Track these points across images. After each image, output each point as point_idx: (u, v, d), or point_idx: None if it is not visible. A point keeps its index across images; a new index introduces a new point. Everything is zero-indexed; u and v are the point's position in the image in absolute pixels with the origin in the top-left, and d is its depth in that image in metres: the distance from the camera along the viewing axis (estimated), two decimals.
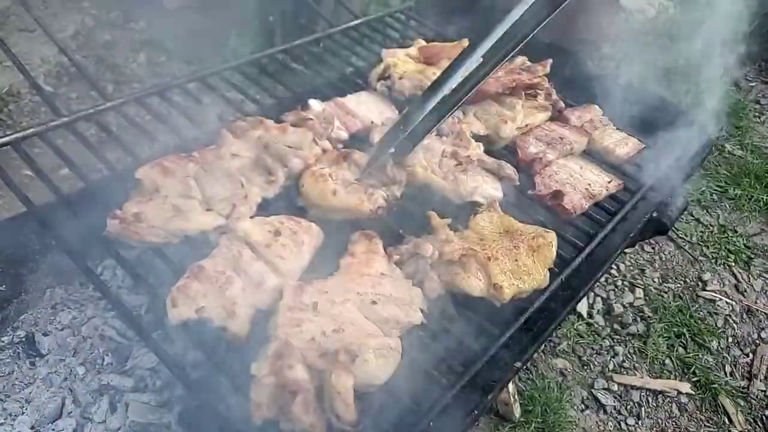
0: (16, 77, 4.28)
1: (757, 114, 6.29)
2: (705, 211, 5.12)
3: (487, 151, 2.14)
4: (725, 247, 4.76)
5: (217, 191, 1.76)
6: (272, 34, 4.71)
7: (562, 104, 2.45)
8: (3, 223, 1.87)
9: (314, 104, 2.17)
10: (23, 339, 1.86)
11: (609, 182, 2.15)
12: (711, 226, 5.04)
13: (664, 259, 4.71)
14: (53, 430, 1.69)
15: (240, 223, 1.65)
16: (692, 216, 5.07)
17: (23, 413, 1.73)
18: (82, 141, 1.93)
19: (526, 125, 2.30)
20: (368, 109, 2.23)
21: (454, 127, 2.16)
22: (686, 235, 4.91)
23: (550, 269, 1.75)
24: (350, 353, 1.39)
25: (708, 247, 4.83)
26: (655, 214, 2.06)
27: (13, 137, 1.85)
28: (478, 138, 2.19)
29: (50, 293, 1.95)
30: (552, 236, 1.79)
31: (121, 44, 5.48)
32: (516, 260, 1.69)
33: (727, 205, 5.21)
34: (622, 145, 2.34)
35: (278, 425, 1.32)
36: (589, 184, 2.10)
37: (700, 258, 4.70)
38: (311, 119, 2.04)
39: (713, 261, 4.68)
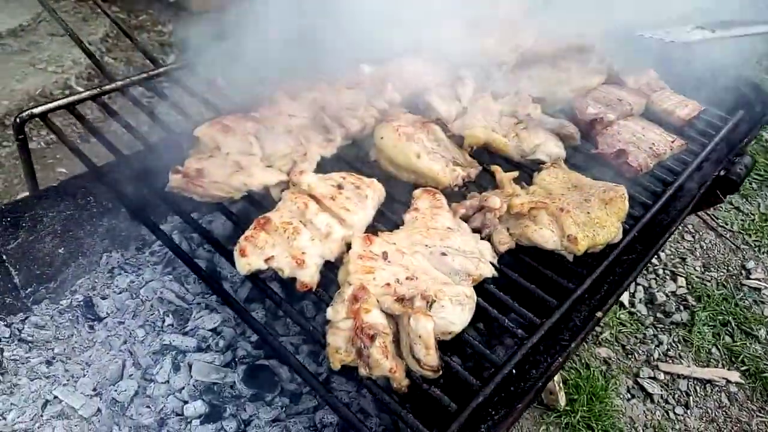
0: (49, 79, 4.31)
1: None
2: (745, 199, 5.01)
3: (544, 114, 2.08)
4: None
5: (278, 148, 1.73)
6: None
7: (616, 67, 2.39)
8: (62, 184, 1.85)
9: (365, 68, 2.13)
10: (81, 303, 1.84)
11: (672, 142, 2.07)
12: (752, 214, 4.92)
13: (705, 247, 4.61)
14: (116, 391, 1.66)
15: (303, 176, 1.62)
16: (732, 204, 4.96)
17: (85, 375, 1.71)
18: (136, 105, 1.92)
19: (582, 87, 2.24)
20: (421, 72, 2.18)
21: (510, 88, 2.10)
22: (727, 224, 4.80)
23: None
24: (427, 299, 1.34)
25: (750, 236, 4.71)
26: (722, 173, 1.98)
27: (68, 100, 1.84)
28: (533, 101, 2.13)
29: (107, 257, 1.93)
30: (623, 189, 1.72)
31: (150, 46, 5.53)
32: (588, 213, 1.63)
33: (767, 194, 5.09)
34: (681, 106, 2.27)
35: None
36: (653, 144, 2.03)
37: (743, 246, 4.59)
38: (365, 81, 2.00)
39: (756, 249, 4.56)
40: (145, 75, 2.02)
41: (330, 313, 1.33)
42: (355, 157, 1.91)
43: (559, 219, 1.59)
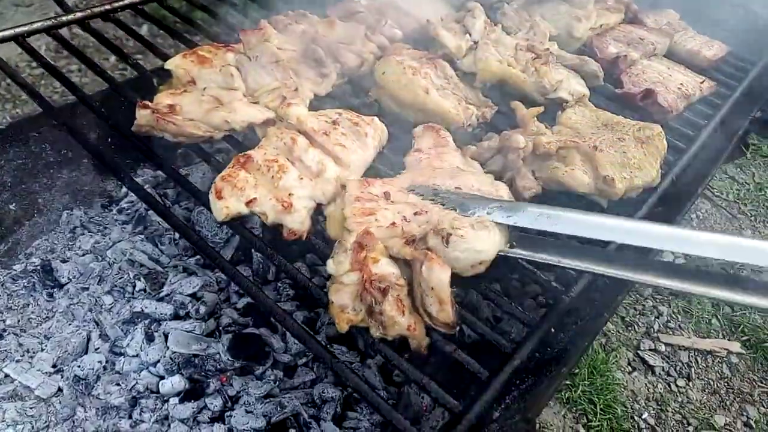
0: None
1: None
2: (739, 169, 4.92)
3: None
4: (764, 205, 4.55)
5: (264, 82, 1.48)
6: None
7: (635, 6, 2.17)
8: (10, 127, 1.58)
9: None
10: (38, 267, 1.59)
11: (702, 83, 1.87)
12: (746, 183, 4.83)
13: (701, 217, 4.50)
14: (79, 367, 1.42)
15: (292, 108, 1.37)
16: (726, 174, 4.87)
17: (43, 350, 1.47)
18: (100, 39, 1.65)
19: (600, 26, 2.02)
20: (423, 7, 1.94)
21: (522, 23, 1.88)
22: (722, 193, 4.70)
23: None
24: (441, 233, 1.11)
25: (746, 205, 4.62)
26: (759, 114, 1.79)
27: (17, 30, 1.57)
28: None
29: (68, 215, 1.67)
30: (659, 128, 1.51)
31: (125, 14, 5.18)
32: (624, 152, 1.42)
33: (761, 163, 5.02)
34: (707, 47, 2.07)
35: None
36: (681, 84, 1.83)
37: (738, 215, 4.49)
38: (361, 12, 1.76)
39: (752, 218, 4.47)
40: (108, 6, 1.74)
41: (330, 266, 1.10)
42: (353, 99, 1.67)
43: (593, 159, 1.38)
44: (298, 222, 1.20)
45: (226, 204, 1.19)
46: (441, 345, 1.07)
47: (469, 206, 1.18)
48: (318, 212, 1.26)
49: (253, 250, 1.64)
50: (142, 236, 1.64)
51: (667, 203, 1.52)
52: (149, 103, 1.38)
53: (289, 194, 1.22)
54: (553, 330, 1.13)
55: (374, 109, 1.65)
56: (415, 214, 1.17)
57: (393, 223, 1.14)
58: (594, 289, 1.31)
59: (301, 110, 1.39)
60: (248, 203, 1.20)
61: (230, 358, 1.41)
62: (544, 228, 1.13)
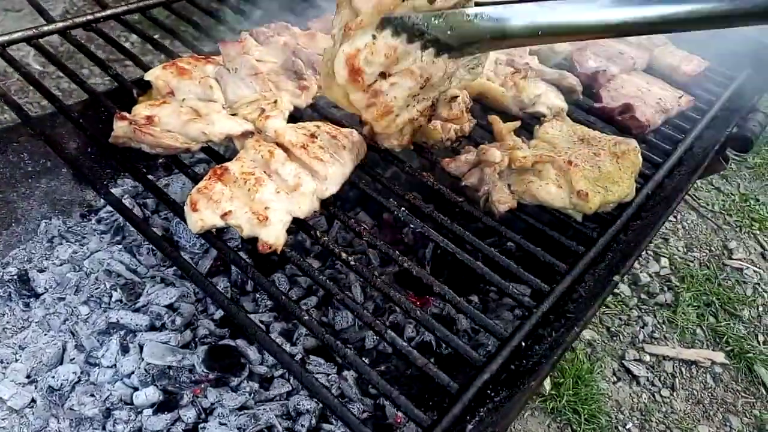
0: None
1: None
2: (725, 180, 4.98)
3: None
4: (749, 216, 4.62)
5: (243, 94, 1.49)
6: None
7: None
8: None
9: None
10: (15, 277, 1.58)
11: (680, 98, 1.89)
12: (732, 194, 4.91)
13: (687, 228, 4.56)
14: (54, 378, 1.41)
15: (270, 121, 1.38)
16: (712, 185, 4.93)
17: (17, 360, 1.46)
18: (80, 49, 1.65)
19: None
20: None
21: None
22: (708, 204, 4.77)
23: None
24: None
25: (731, 216, 4.68)
26: (735, 129, 1.81)
27: None
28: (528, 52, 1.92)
29: (46, 225, 1.67)
30: (635, 143, 1.53)
31: (111, 23, 5.19)
32: (599, 167, 1.44)
33: (747, 174, 5.09)
34: (686, 62, 2.09)
35: None
36: (660, 99, 1.85)
37: (724, 226, 4.55)
38: None
39: (737, 229, 4.53)
40: (90, 16, 1.75)
41: None
42: (334, 111, 1.68)
43: (567, 173, 1.39)
44: (273, 235, 1.21)
45: (201, 216, 1.19)
46: (414, 358, 1.07)
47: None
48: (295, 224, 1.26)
49: None
50: (120, 246, 1.64)
51: (643, 217, 1.54)
52: (127, 115, 1.38)
53: (265, 207, 1.22)
54: (524, 344, 1.14)
55: (356, 120, 1.66)
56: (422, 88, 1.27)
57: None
58: (567, 302, 1.33)
59: (279, 123, 1.39)
60: (223, 216, 1.20)
61: (205, 370, 1.40)
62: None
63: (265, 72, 1.58)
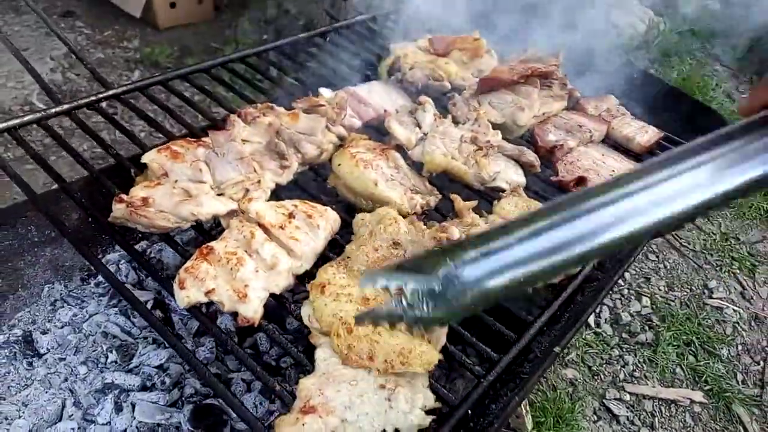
0: (9, 95, 4.20)
1: None
2: (706, 219, 5.10)
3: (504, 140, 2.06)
4: (729, 255, 4.73)
5: (229, 176, 1.67)
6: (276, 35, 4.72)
7: (578, 93, 2.39)
8: (1, 213, 1.75)
9: (325, 92, 2.09)
10: (20, 338, 1.73)
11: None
12: (713, 234, 5.02)
13: (668, 267, 4.67)
14: None
15: (252, 204, 1.55)
16: (694, 224, 5.05)
17: (20, 417, 1.60)
18: (84, 129, 1.83)
19: (543, 114, 2.23)
20: (380, 98, 2.15)
21: (470, 114, 2.08)
22: (689, 243, 4.88)
23: None
24: None
25: (712, 255, 4.80)
26: None
27: (9, 124, 1.75)
28: (493, 127, 2.10)
29: (49, 289, 1.83)
30: None
31: (114, 62, 5.43)
32: None
33: (728, 213, 5.21)
34: (641, 133, 2.28)
35: None
36: (613, 171, 2.03)
37: (705, 266, 4.67)
38: (323, 105, 1.95)
39: (718, 269, 4.65)
40: (93, 98, 1.93)
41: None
42: (313, 185, 1.86)
43: None
44: (251, 311, 1.37)
45: (188, 294, 1.35)
46: None
47: None
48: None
49: (217, 323, 1.79)
50: (116, 309, 1.80)
51: (591, 284, 1.70)
52: (125, 197, 1.55)
53: (245, 285, 1.39)
54: (470, 412, 1.29)
55: (332, 193, 1.83)
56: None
57: None
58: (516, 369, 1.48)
59: (260, 205, 1.56)
60: (207, 293, 1.36)
61: (191, 428, 1.55)
62: None
63: (250, 152, 1.76)
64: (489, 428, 1.26)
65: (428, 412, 1.25)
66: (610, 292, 4.19)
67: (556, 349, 1.42)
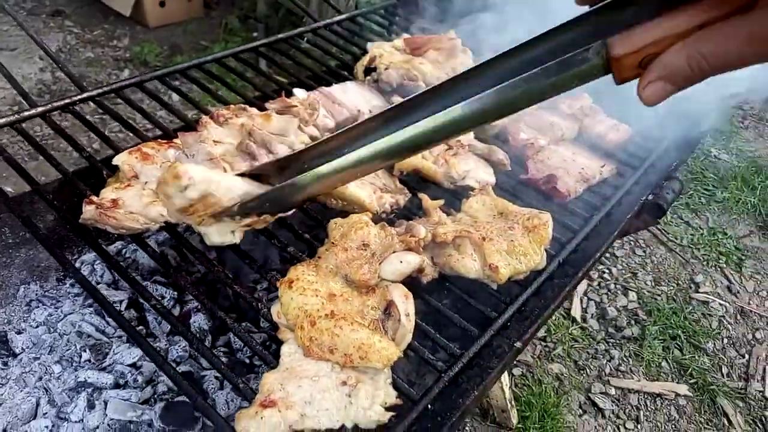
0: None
1: (740, 120, 6.40)
2: (694, 214, 5.14)
3: (477, 140, 2.09)
4: (716, 249, 4.77)
5: None
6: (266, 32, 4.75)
7: None
8: None
9: (299, 92, 2.11)
10: None
11: (602, 167, 2.10)
12: (700, 228, 5.06)
13: (655, 262, 4.71)
14: (27, 431, 1.59)
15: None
16: (681, 219, 5.09)
17: None
18: (58, 131, 1.85)
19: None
20: (355, 98, 2.17)
21: None
22: (677, 238, 4.92)
23: (547, 252, 1.69)
24: None
25: (699, 250, 4.84)
26: (650, 197, 2.01)
27: None
28: None
29: (24, 289, 1.85)
30: (547, 216, 1.73)
31: (104, 61, 5.44)
32: (511, 241, 1.63)
33: (716, 208, 5.24)
34: (613, 131, 2.31)
35: None
36: (583, 168, 2.06)
37: (692, 260, 4.71)
38: (296, 106, 1.98)
39: (705, 263, 4.69)
40: (68, 100, 1.96)
41: None
42: None
43: (481, 248, 1.59)
44: None
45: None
46: None
47: None
48: None
49: (190, 322, 1.82)
50: (91, 309, 1.82)
51: (555, 281, 1.73)
52: (95, 199, 1.58)
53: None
54: (430, 407, 1.32)
55: None
56: None
57: None
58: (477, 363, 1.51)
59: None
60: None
61: (162, 424, 1.58)
62: None
63: (221, 153, 1.78)
64: (447, 422, 1.29)
65: (391, 409, 1.28)
66: (597, 286, 4.23)
67: (518, 344, 1.45)
